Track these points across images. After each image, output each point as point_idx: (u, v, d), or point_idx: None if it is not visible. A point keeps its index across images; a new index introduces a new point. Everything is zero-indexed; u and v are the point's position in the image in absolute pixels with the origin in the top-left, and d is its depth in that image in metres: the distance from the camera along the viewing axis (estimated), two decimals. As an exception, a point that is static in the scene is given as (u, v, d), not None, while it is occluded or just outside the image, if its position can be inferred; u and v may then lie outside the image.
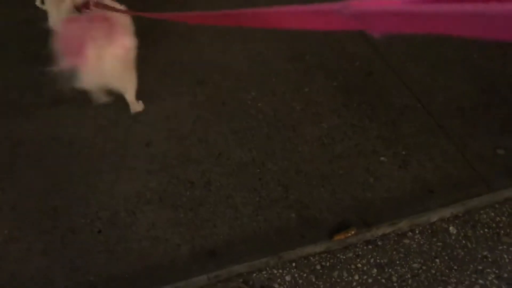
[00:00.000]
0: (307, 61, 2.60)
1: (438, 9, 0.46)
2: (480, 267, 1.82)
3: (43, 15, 2.10)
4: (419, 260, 1.85)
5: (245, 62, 2.61)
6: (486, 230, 1.93)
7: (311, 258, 1.86)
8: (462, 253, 1.87)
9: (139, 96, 2.44)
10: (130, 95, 2.26)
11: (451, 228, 1.92)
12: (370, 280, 1.80)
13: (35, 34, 2.18)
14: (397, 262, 1.85)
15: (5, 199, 2.04)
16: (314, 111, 2.32)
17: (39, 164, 2.17)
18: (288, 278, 1.82)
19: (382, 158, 2.14)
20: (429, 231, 1.92)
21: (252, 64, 2.61)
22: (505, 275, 1.80)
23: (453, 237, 1.91)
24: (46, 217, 1.95)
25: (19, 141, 2.27)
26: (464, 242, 1.89)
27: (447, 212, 1.94)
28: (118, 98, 2.44)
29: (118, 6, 1.95)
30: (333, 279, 1.80)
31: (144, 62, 2.58)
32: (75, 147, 2.22)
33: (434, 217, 1.93)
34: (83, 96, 2.46)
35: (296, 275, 1.82)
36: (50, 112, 2.40)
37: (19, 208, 2.00)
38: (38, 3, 2.15)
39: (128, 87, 2.20)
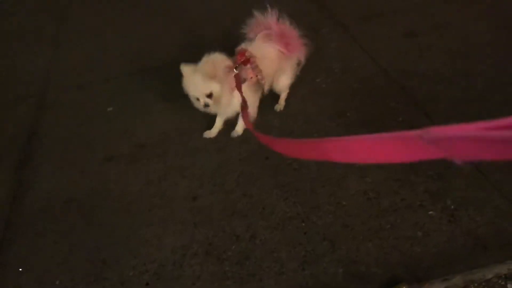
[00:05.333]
0: (349, 118, 2.65)
1: None
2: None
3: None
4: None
5: (289, 119, 2.69)
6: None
7: (361, 315, 1.80)
8: (524, 313, 1.75)
9: (187, 151, 2.55)
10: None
11: (509, 285, 1.81)
12: None
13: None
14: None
15: (57, 251, 2.12)
16: (358, 166, 2.32)
17: (90, 218, 2.26)
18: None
19: (430, 212, 2.09)
20: (486, 288, 1.83)
21: (294, 120, 2.68)
22: None
23: (512, 296, 1.80)
24: (96, 269, 2.01)
25: (71, 196, 2.39)
26: (525, 301, 1.78)
27: (503, 269, 1.84)
28: (167, 154, 2.56)
29: None
30: None
31: (192, 120, 2.72)
32: (125, 201, 2.31)
33: (489, 273, 1.83)
34: (134, 152, 2.60)
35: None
36: (102, 168, 2.54)
37: (70, 260, 2.07)
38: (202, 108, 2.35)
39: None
